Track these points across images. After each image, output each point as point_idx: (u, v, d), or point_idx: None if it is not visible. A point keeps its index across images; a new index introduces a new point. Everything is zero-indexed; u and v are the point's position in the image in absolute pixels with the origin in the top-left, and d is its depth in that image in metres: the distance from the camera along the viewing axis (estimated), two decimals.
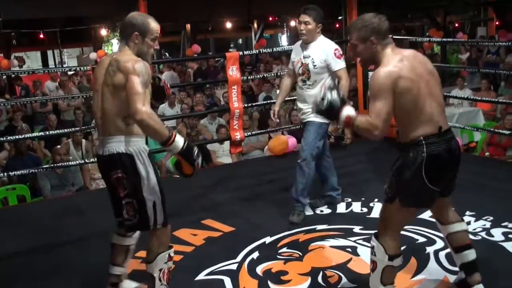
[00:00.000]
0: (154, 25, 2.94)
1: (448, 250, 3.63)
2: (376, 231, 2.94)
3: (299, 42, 4.51)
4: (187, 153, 2.83)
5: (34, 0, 12.45)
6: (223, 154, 7.27)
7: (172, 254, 3.07)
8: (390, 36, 2.85)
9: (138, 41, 2.89)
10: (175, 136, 2.78)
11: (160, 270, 2.99)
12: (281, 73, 7.77)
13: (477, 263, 3.03)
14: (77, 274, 3.77)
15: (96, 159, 3.07)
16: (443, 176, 2.79)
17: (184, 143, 2.81)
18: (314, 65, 4.33)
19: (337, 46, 4.40)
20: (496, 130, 6.76)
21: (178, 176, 3.15)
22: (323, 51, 4.33)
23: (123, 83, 2.75)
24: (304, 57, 4.39)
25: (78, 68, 6.69)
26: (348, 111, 2.72)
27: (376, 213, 4.45)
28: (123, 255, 3.24)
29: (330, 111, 2.77)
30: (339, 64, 4.31)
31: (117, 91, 2.79)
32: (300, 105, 4.54)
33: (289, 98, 8.40)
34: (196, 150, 2.87)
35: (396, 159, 2.83)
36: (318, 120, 4.31)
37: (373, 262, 2.91)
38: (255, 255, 3.79)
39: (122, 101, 2.77)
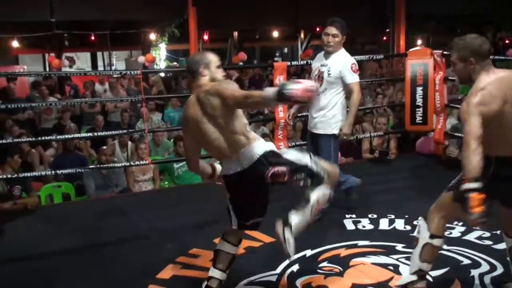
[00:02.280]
0: (212, 56, 3.27)
1: (494, 274, 3.57)
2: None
3: (321, 53, 4.72)
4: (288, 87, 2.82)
5: (86, 2, 12.78)
6: None
7: (332, 195, 3.29)
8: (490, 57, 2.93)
9: (206, 72, 3.19)
10: (270, 91, 2.86)
11: (317, 200, 3.19)
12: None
13: None
14: (117, 275, 3.83)
15: (227, 179, 3.28)
16: (501, 189, 2.94)
17: (277, 88, 2.84)
18: (329, 74, 4.53)
19: (354, 61, 4.60)
20: None
21: (220, 183, 3.30)
22: (340, 63, 4.53)
23: (225, 106, 3.02)
24: (322, 65, 4.59)
25: (128, 72, 6.79)
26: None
27: None
28: (228, 262, 3.38)
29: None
30: (353, 78, 4.52)
31: (226, 114, 3.06)
32: (310, 112, 4.71)
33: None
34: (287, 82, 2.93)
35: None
36: (327, 133, 4.54)
37: (416, 240, 3.18)
38: (295, 267, 3.76)
39: (233, 118, 3.08)
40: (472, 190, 2.70)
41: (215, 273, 3.36)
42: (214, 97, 3.06)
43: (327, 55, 4.60)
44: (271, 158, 3.12)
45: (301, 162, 3.18)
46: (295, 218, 3.19)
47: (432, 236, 3.11)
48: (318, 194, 3.18)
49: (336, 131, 4.57)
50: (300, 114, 5.33)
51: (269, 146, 3.21)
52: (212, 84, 3.13)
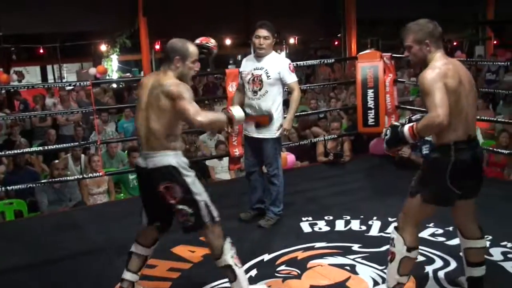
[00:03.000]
0: (193, 49, 3.22)
1: (447, 269, 3.65)
2: (396, 224, 3.20)
3: (250, 56, 4.78)
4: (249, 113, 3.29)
5: (34, 15, 12.51)
6: (221, 171, 7.26)
7: (231, 242, 3.32)
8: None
9: (180, 64, 3.16)
10: (231, 111, 3.20)
11: (232, 257, 3.25)
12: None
13: (483, 280, 3.20)
14: None
15: (136, 170, 3.38)
16: (466, 181, 2.97)
17: (242, 109, 3.24)
18: (268, 76, 4.56)
19: (290, 61, 4.70)
20: (494, 149, 6.75)
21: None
22: (277, 64, 4.60)
23: (169, 107, 3.06)
24: (256, 69, 4.60)
25: (78, 83, 6.67)
26: (406, 126, 2.94)
27: (375, 231, 4.44)
28: (140, 263, 3.45)
29: (394, 138, 3.04)
30: (292, 77, 4.63)
31: (163, 113, 3.08)
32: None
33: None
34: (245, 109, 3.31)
35: (424, 159, 3.02)
36: (272, 136, 4.58)
37: (392, 253, 3.13)
38: (253, 272, 3.76)
39: (167, 121, 3.09)
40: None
41: (127, 275, 3.42)
42: (163, 96, 3.07)
43: (259, 58, 4.62)
44: (174, 173, 3.12)
45: (198, 197, 3.16)
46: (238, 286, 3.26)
47: (409, 250, 3.09)
48: (228, 252, 3.26)
49: (278, 134, 4.62)
50: None
51: (182, 163, 3.16)
52: (173, 83, 3.08)
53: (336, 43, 17.54)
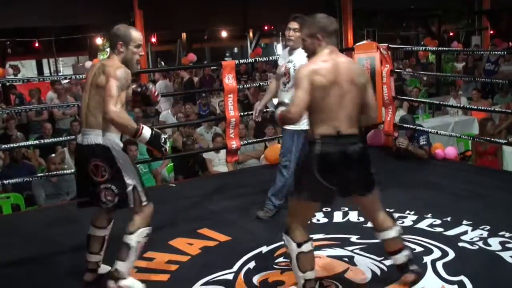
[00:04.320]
0: (135, 34, 3.34)
1: (446, 259, 3.65)
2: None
3: (287, 49, 4.74)
4: (155, 141, 3.27)
5: (29, 9, 12.44)
6: (219, 163, 7.25)
7: (149, 232, 3.43)
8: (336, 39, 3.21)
9: (123, 49, 3.30)
10: (142, 128, 3.21)
11: (138, 242, 3.34)
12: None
13: (410, 261, 3.27)
14: (71, 283, 3.73)
15: (75, 146, 3.50)
16: (335, 176, 3.01)
17: (152, 132, 3.24)
18: (295, 69, 4.49)
19: None
20: (477, 139, 6.75)
21: (174, 184, 3.40)
22: (305, 58, 4.42)
23: (104, 84, 3.16)
24: (288, 62, 4.60)
25: (74, 77, 6.64)
26: (279, 110, 3.16)
27: None
28: (100, 244, 3.61)
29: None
30: None
31: (100, 91, 3.20)
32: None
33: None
34: (163, 137, 3.32)
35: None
36: (292, 128, 4.50)
37: (289, 255, 3.18)
38: (252, 264, 3.76)
39: (103, 99, 3.16)
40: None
41: (91, 257, 3.61)
42: (102, 74, 3.20)
43: (292, 51, 4.62)
44: (106, 152, 3.25)
45: (126, 178, 3.27)
46: (123, 265, 3.36)
47: (299, 245, 3.12)
48: (138, 236, 3.34)
49: (304, 127, 4.53)
50: (247, 113, 5.32)
51: (115, 144, 3.28)
52: (114, 64, 3.22)
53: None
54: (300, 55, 4.50)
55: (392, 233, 3.24)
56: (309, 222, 3.28)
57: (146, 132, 3.23)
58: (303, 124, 4.49)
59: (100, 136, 3.24)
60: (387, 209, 4.50)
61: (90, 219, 3.64)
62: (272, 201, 4.71)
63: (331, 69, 3.00)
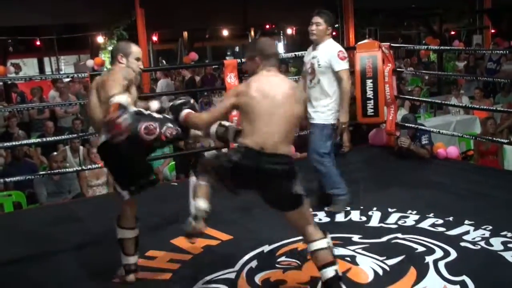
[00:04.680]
0: (135, 48, 3.57)
1: (448, 259, 3.64)
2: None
3: (311, 46, 4.75)
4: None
5: (30, 7, 12.45)
6: None
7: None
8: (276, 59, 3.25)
9: (123, 60, 3.49)
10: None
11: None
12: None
13: (338, 279, 3.15)
14: (73, 281, 3.74)
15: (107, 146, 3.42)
16: (247, 187, 3.18)
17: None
18: (319, 65, 4.56)
19: (342, 49, 4.63)
20: (479, 138, 6.74)
21: (175, 183, 3.40)
22: (328, 51, 4.57)
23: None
24: (313, 58, 4.63)
25: (75, 75, 6.64)
26: (185, 111, 3.36)
27: (375, 222, 4.44)
28: (134, 245, 3.64)
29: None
30: (341, 65, 4.54)
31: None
32: (310, 103, 4.66)
33: None
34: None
35: None
36: (321, 122, 4.56)
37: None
38: (254, 264, 3.75)
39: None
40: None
41: (128, 260, 3.61)
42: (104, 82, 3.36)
43: (315, 46, 4.64)
44: (142, 115, 3.35)
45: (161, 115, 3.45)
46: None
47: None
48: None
49: (332, 121, 4.60)
50: None
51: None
52: (111, 71, 3.44)
53: (334, 33, 17.49)
54: (323, 49, 4.58)
55: (320, 244, 3.18)
56: None
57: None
58: (331, 118, 4.56)
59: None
60: (388, 209, 4.57)
61: (116, 222, 3.62)
62: (335, 193, 4.69)
63: (262, 87, 3.10)
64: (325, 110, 4.57)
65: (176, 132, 3.39)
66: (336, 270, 3.14)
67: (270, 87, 3.11)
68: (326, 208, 4.69)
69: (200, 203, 3.20)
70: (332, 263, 3.15)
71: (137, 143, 3.31)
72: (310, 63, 4.66)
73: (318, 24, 4.56)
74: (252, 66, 3.25)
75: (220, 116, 3.29)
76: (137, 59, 3.54)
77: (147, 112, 3.43)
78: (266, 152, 3.03)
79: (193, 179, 3.29)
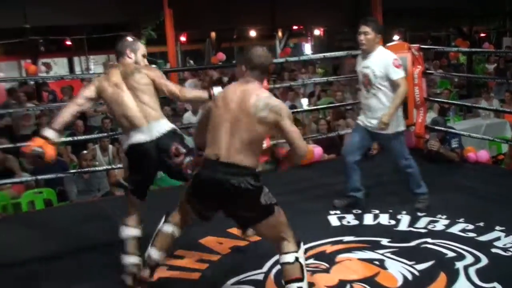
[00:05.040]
0: (141, 44, 3.78)
1: (479, 265, 3.60)
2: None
3: (360, 55, 4.76)
4: None
5: (61, 7, 12.63)
6: None
7: None
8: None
9: (132, 55, 3.66)
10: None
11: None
12: (307, 81, 7.78)
13: None
14: (102, 279, 3.79)
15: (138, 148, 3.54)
16: (203, 197, 3.10)
17: None
18: (375, 75, 4.55)
19: (395, 56, 4.60)
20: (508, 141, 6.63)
21: None
22: (382, 61, 4.55)
23: (145, 82, 3.58)
24: (365, 67, 4.61)
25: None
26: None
27: (404, 225, 4.40)
28: (138, 246, 3.67)
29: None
30: (397, 74, 4.52)
31: (143, 90, 3.58)
32: (367, 113, 4.73)
33: (315, 107, 8.42)
34: None
35: None
36: (393, 131, 4.63)
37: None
38: None
39: (150, 95, 3.58)
40: None
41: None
42: (142, 75, 3.56)
43: (366, 55, 4.63)
44: (175, 136, 3.56)
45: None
46: None
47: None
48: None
49: (403, 127, 4.74)
50: None
51: (173, 126, 3.61)
52: (141, 66, 3.64)
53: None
54: (376, 59, 4.56)
55: (288, 258, 3.07)
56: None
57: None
58: (401, 124, 4.66)
59: (163, 123, 3.55)
60: (417, 213, 4.53)
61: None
62: (419, 193, 4.76)
63: (226, 96, 3.11)
64: (393, 120, 4.57)
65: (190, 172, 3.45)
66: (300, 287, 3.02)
67: (232, 96, 3.06)
68: (416, 206, 4.72)
69: (153, 253, 3.29)
70: (298, 280, 3.01)
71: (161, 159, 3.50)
72: (363, 74, 4.64)
73: (366, 33, 4.53)
74: (240, 73, 3.24)
75: (200, 126, 3.33)
76: (143, 56, 3.71)
77: (179, 132, 3.66)
78: (222, 161, 2.97)
79: (161, 221, 3.36)
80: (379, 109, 4.58)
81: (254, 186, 3.00)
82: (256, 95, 3.04)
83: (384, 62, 4.52)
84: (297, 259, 3.06)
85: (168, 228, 3.33)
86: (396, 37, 15.87)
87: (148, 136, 3.48)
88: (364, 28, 4.54)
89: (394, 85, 4.53)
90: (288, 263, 3.05)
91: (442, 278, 3.46)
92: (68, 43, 15.86)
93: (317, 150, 6.71)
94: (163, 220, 3.38)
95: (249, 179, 2.98)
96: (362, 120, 4.81)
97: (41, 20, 13.19)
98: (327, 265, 3.73)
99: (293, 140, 3.07)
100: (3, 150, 6.56)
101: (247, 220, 3.15)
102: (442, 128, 6.30)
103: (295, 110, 7.95)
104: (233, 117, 3.01)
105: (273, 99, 3.07)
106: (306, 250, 3.94)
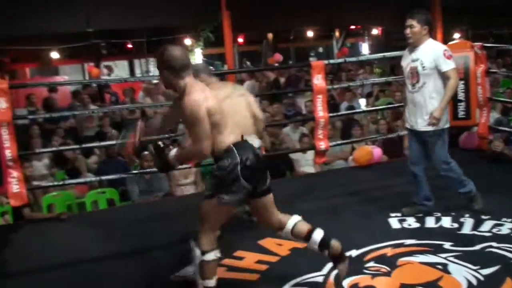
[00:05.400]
0: None
1: None
2: None
3: (407, 49, 4.60)
4: None
5: (122, 11, 12.95)
6: (306, 164, 7.24)
7: None
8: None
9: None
10: None
11: None
12: (365, 82, 7.70)
13: (327, 235, 3.38)
14: (163, 278, 3.85)
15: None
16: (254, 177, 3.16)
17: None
18: (423, 67, 4.41)
19: (446, 47, 4.46)
20: None
21: None
22: (432, 52, 4.41)
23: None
24: (413, 61, 4.48)
25: None
26: (173, 152, 3.20)
27: (467, 229, 4.29)
28: None
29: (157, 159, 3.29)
30: (448, 65, 4.37)
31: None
32: (411, 110, 4.59)
33: (373, 108, 8.30)
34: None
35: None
36: (433, 129, 4.42)
37: (194, 259, 3.23)
38: None
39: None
40: None
41: None
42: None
43: (413, 48, 4.50)
44: None
45: None
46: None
47: (203, 253, 3.18)
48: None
49: (447, 125, 4.54)
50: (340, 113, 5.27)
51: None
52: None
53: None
54: (425, 50, 4.42)
55: (294, 219, 3.42)
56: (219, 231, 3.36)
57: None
58: (445, 121, 4.49)
59: None
60: (481, 216, 4.40)
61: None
62: (464, 191, 4.63)
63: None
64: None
65: None
66: (321, 232, 3.38)
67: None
68: (475, 207, 4.59)
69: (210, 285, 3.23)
70: (314, 229, 3.39)
71: None
72: (410, 67, 4.50)
73: (412, 27, 4.41)
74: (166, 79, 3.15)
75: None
76: None
77: None
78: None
79: (196, 252, 3.22)
80: (424, 105, 4.43)
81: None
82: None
83: (435, 53, 4.37)
84: (216, 256, 3.24)
85: (210, 256, 3.25)
86: (457, 35, 15.51)
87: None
88: (410, 21, 4.42)
89: (444, 77, 4.37)
90: (299, 221, 3.44)
91: (508, 283, 3.35)
92: (129, 46, 16.21)
93: (377, 151, 6.64)
94: (196, 250, 3.27)
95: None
96: (408, 121, 4.65)
97: (103, 23, 13.57)
98: (388, 268, 3.67)
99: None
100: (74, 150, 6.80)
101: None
102: (506, 129, 6.11)
103: (353, 111, 7.89)
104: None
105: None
106: (366, 253, 3.92)
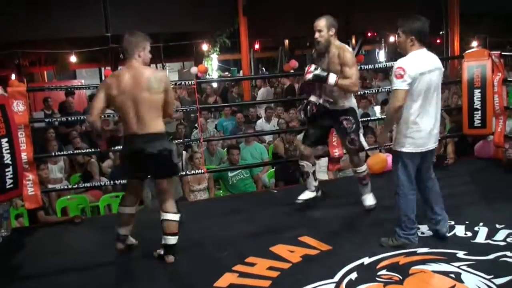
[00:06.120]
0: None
1: None
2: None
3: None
4: None
5: (140, 16, 13.04)
6: (319, 171, 7.20)
7: None
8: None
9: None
10: None
11: None
12: (383, 89, 7.66)
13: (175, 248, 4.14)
14: (175, 284, 3.88)
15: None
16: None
17: None
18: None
19: (400, 65, 4.09)
20: None
21: (275, 191, 3.39)
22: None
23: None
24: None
25: (182, 83, 6.86)
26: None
27: (481, 238, 4.24)
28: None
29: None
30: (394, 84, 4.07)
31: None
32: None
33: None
34: None
35: None
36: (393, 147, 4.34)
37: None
38: (353, 275, 3.70)
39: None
40: None
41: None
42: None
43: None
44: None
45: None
46: None
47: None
48: None
49: (403, 149, 4.39)
50: None
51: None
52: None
53: (438, 41, 16.93)
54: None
55: (175, 217, 4.15)
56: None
57: None
58: (399, 146, 4.41)
59: None
60: (496, 225, 4.35)
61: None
62: (397, 231, 4.24)
63: (118, 84, 4.06)
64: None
65: None
66: (176, 239, 4.20)
67: (123, 83, 4.14)
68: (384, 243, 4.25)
69: None
70: (175, 234, 4.21)
71: None
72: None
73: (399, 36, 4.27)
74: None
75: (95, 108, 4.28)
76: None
77: None
78: (139, 134, 4.18)
79: None
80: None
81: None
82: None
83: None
84: (179, 219, 4.16)
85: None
86: (474, 43, 15.39)
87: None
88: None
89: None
90: (172, 220, 4.14)
91: None
92: None
93: (390, 159, 6.58)
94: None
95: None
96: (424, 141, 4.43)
97: (121, 28, 13.66)
98: (400, 276, 3.64)
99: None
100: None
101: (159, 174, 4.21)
102: None
103: (368, 118, 7.85)
104: (131, 99, 4.04)
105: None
106: (378, 261, 3.90)
